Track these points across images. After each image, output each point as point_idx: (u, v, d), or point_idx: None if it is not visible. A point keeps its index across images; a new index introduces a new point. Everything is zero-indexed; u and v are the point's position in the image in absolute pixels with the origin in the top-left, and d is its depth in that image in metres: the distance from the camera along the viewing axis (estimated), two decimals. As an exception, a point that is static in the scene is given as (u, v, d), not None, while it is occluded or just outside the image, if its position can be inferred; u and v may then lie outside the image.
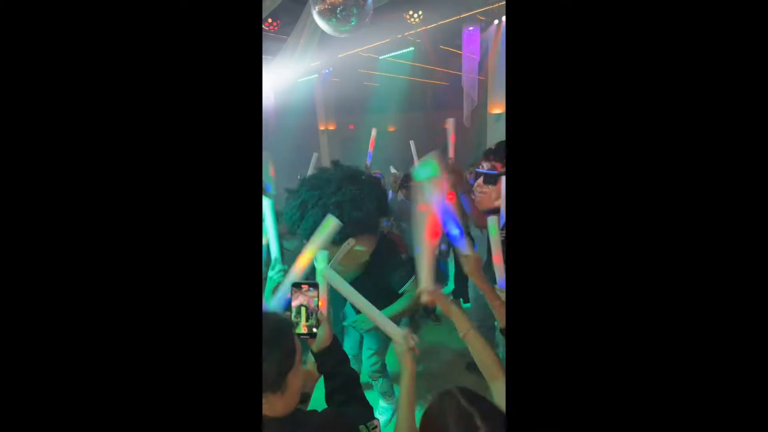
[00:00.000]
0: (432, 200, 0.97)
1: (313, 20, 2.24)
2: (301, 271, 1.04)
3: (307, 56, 3.58)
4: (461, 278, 2.79)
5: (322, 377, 0.88)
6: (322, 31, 2.33)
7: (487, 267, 1.30)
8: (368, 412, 0.83)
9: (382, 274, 1.00)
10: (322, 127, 7.22)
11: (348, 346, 1.95)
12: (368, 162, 2.29)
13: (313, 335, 0.82)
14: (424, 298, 0.97)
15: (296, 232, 1.40)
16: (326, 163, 1.87)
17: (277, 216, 1.24)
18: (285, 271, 1.13)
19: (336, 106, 7.33)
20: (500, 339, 2.06)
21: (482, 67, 4.61)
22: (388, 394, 1.96)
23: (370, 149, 2.35)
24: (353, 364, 0.94)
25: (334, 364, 0.84)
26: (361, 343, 1.88)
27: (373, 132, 2.32)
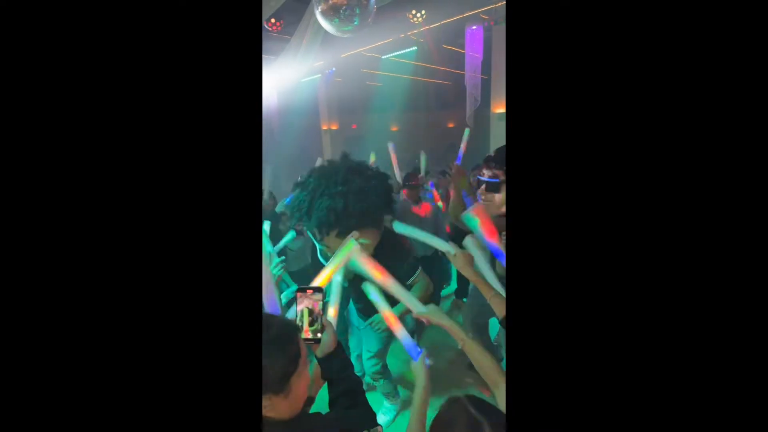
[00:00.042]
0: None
1: (316, 20, 2.24)
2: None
3: (310, 56, 3.59)
4: (463, 277, 2.78)
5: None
6: (325, 31, 2.33)
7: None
8: (371, 417, 0.83)
9: (388, 267, 1.01)
10: (325, 127, 7.24)
11: (354, 344, 1.95)
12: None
13: (317, 341, 0.81)
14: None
15: (304, 221, 1.43)
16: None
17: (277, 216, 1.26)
18: (283, 264, 1.19)
19: (339, 106, 7.36)
20: (495, 346, 2.07)
21: (486, 66, 4.60)
22: (391, 394, 1.96)
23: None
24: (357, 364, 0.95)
25: (338, 370, 0.83)
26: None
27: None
